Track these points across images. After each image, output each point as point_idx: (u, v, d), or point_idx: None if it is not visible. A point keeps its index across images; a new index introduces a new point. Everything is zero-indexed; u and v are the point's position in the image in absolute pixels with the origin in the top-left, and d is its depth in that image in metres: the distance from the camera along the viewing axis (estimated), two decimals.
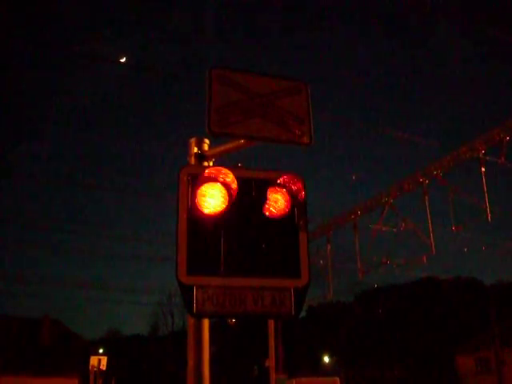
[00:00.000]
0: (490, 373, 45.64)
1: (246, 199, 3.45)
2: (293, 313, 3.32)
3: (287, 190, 3.45)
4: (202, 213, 3.32)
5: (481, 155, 17.41)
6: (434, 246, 18.61)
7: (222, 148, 3.95)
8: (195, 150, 3.96)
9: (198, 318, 3.53)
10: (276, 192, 3.44)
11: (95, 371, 28.90)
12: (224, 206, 3.32)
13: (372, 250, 21.87)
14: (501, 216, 18.50)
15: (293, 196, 3.46)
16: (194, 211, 3.33)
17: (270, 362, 24.67)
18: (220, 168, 3.38)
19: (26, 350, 39.31)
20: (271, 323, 24.87)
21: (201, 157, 3.93)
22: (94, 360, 29.34)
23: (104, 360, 29.47)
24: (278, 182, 3.46)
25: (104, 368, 29.22)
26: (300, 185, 3.50)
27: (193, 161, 3.92)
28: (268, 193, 3.44)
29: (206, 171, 3.36)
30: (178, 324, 69.64)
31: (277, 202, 3.43)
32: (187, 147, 4.02)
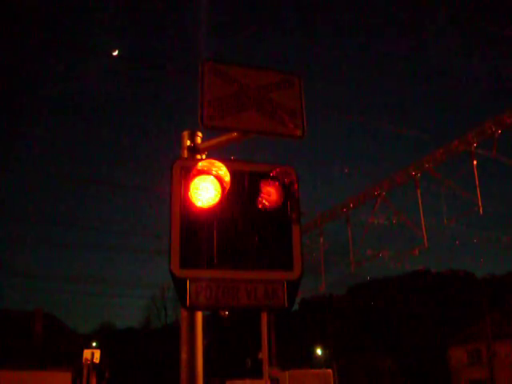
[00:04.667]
0: (482, 364, 46.02)
1: (239, 192, 3.45)
2: (286, 305, 3.34)
3: (280, 183, 3.46)
4: (194, 206, 3.32)
5: (473, 148, 17.48)
6: (426, 238, 18.69)
7: (214, 141, 3.94)
8: (188, 143, 3.95)
9: (192, 310, 3.54)
10: (269, 185, 3.45)
11: (88, 365, 28.82)
12: (217, 199, 3.33)
13: (364, 242, 21.96)
14: (492, 209, 18.60)
15: (285, 189, 3.46)
16: (186, 204, 3.33)
17: (263, 355, 24.72)
18: (213, 161, 3.38)
19: (18, 344, 39.17)
20: (264, 316, 24.88)
21: (194, 150, 3.92)
22: (87, 353, 29.23)
23: (97, 353, 29.36)
24: (271, 174, 3.46)
25: (97, 361, 29.12)
26: (293, 177, 3.50)
27: (186, 154, 3.91)
28: (261, 185, 3.44)
29: (199, 164, 3.36)
30: (170, 317, 69.80)
31: (270, 195, 3.44)
32: (180, 140, 4.01)
